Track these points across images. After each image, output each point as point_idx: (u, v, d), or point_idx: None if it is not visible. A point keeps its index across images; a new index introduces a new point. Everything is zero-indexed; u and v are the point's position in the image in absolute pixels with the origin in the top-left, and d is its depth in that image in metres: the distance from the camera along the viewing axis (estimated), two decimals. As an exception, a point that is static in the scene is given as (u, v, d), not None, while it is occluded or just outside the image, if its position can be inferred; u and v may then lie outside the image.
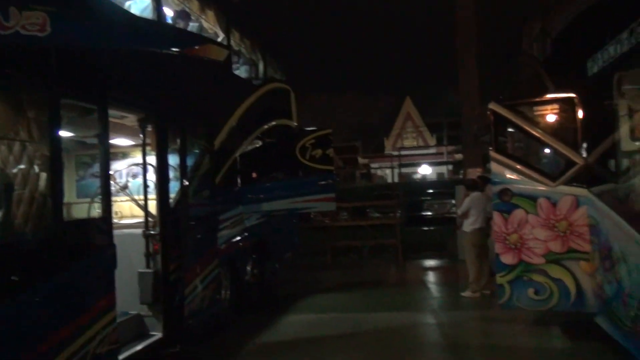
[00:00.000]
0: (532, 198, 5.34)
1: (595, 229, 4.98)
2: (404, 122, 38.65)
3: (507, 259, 5.41)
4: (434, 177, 30.19)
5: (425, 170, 31.35)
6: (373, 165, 33.28)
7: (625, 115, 4.58)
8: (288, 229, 9.02)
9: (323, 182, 7.23)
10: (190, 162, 5.72)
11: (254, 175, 7.71)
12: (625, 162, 4.63)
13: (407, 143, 37.28)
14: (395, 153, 25.82)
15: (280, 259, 8.80)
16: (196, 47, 6.56)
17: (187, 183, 5.50)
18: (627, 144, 4.60)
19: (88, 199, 5.11)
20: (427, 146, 35.58)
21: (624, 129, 4.62)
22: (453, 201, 13.25)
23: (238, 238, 6.91)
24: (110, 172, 4.90)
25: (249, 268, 7.34)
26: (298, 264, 10.72)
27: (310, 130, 7.84)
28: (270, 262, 8.16)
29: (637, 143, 4.51)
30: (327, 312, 7.27)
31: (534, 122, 5.57)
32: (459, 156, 18.78)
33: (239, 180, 7.21)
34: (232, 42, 7.48)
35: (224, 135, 6.69)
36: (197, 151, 6.08)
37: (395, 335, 6.08)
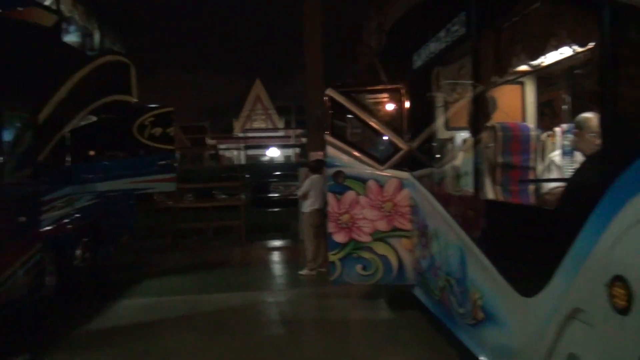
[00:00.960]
0: (363, 180, 5.71)
1: (415, 209, 5.48)
2: (253, 104, 38.68)
3: (339, 237, 5.74)
4: (281, 159, 30.72)
5: (273, 152, 31.77)
6: (222, 146, 32.92)
7: (441, 106, 5.08)
8: (125, 210, 8.60)
9: (163, 162, 7.00)
10: (8, 136, 5.18)
11: (87, 153, 7.22)
12: (440, 149, 5.13)
13: (256, 125, 37.41)
14: (242, 135, 25.81)
15: (116, 242, 8.38)
16: (18, 9, 5.95)
17: (2, 160, 4.98)
18: (442, 133, 5.11)
19: None
20: (275, 129, 36.03)
21: (440, 119, 5.12)
22: (298, 183, 13.64)
23: (66, 220, 6.44)
24: None
25: (79, 252, 6.88)
26: (138, 247, 10.30)
27: (151, 107, 7.52)
28: (104, 245, 7.73)
29: (450, 132, 5.03)
30: (165, 295, 7.10)
31: (366, 108, 5.93)
32: (305, 139, 19.34)
33: (68, 158, 6.70)
34: (63, 7, 6.88)
35: (51, 109, 6.16)
36: (17, 125, 5.52)
37: (232, 315, 6.15)
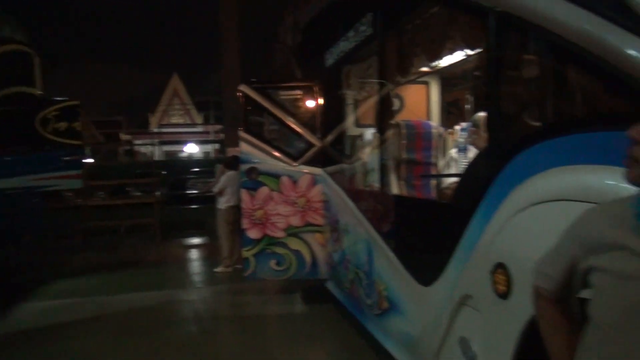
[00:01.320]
0: (276, 176, 5.75)
1: (327, 204, 5.59)
2: (170, 99, 37.63)
3: (253, 233, 5.75)
4: (200, 155, 30.14)
5: (191, 148, 31.12)
6: (137, 141, 31.85)
7: (351, 104, 5.21)
8: (28, 209, 8.11)
9: (67, 158, 6.68)
10: None
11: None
12: (350, 146, 5.27)
13: (174, 120, 36.41)
14: (158, 130, 25.11)
15: (17, 242, 7.92)
16: None
17: None
18: (352, 130, 5.24)
19: None
20: (193, 124, 35.27)
21: (350, 117, 5.26)
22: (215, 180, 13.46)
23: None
24: None
25: (-26, 253, 6.45)
26: (46, 247, 9.79)
27: (55, 100, 7.15)
28: (3, 246, 7.28)
29: (360, 129, 5.17)
30: (72, 296, 6.80)
31: (280, 105, 5.96)
32: (223, 135, 19.11)
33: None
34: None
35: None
36: None
37: (145, 315, 6.00)
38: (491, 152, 2.53)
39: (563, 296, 1.34)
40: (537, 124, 2.25)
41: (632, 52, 1.67)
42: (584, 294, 1.28)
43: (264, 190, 5.73)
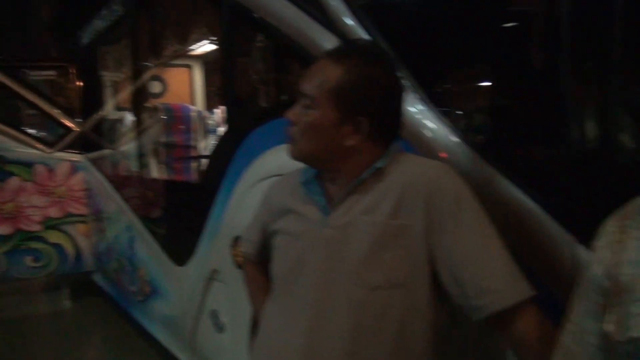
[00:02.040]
0: (28, 165, 5.25)
1: (90, 192, 5.30)
2: None
3: (3, 229, 5.19)
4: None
5: None
6: None
7: (111, 87, 5.00)
8: None
9: None
10: None
11: None
12: (112, 130, 5.05)
13: None
14: None
15: None
16: None
17: None
18: (113, 114, 5.04)
19: None
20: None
21: (110, 100, 5.04)
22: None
23: None
24: None
25: None
26: None
27: None
28: None
29: (120, 113, 4.98)
30: None
31: (30, 86, 5.43)
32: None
33: None
34: None
35: None
36: None
37: None
38: (230, 134, 2.69)
39: (263, 259, 1.51)
40: (264, 106, 2.46)
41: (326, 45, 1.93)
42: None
43: (13, 181, 5.19)
